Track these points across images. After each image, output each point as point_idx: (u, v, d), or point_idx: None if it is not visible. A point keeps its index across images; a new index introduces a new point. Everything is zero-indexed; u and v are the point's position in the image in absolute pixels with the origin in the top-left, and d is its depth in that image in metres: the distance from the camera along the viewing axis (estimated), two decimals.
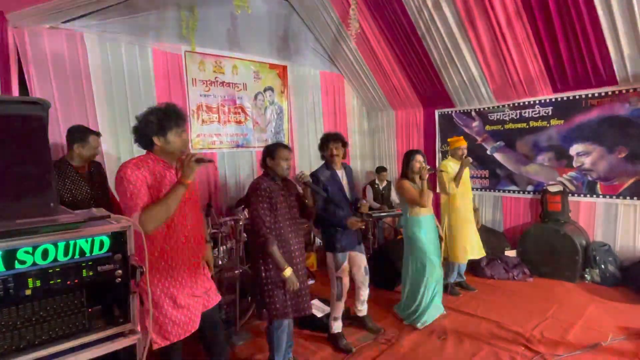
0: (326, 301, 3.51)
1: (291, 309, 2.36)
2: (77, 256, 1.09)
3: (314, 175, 2.82)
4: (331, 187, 2.81)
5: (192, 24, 4.12)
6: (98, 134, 2.82)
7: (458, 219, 3.71)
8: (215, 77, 4.50)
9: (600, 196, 4.23)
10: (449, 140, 3.95)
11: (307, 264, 4.63)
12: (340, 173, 2.93)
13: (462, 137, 3.89)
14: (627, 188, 4.03)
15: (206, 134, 4.44)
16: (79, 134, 2.68)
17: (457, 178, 3.62)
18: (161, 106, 1.79)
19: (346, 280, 2.93)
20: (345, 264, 2.92)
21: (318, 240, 5.37)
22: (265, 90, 5.04)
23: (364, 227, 2.87)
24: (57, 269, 1.06)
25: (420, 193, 3.07)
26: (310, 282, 4.33)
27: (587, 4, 3.53)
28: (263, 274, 2.33)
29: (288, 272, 2.26)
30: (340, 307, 2.97)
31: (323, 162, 2.95)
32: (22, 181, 1.21)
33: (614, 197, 4.13)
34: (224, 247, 3.48)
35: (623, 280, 3.89)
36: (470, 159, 3.72)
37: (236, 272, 3.19)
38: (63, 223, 1.08)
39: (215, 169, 4.48)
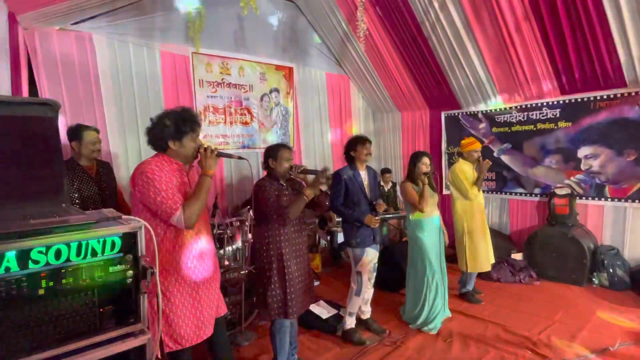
0: (332, 302, 3.51)
1: (295, 309, 2.35)
2: (89, 256, 1.10)
3: (337, 173, 3.01)
4: (352, 185, 2.96)
5: (199, 25, 4.14)
6: (95, 130, 2.79)
7: (477, 225, 3.56)
8: (222, 79, 4.52)
9: (609, 199, 4.19)
10: (462, 142, 3.77)
11: (312, 265, 4.63)
12: (363, 174, 3.06)
13: (474, 139, 3.77)
14: (636, 191, 3.99)
15: (213, 135, 4.46)
16: (74, 131, 2.69)
17: (478, 182, 3.51)
18: (177, 110, 1.80)
19: (365, 277, 3.00)
20: (365, 259, 2.98)
21: (323, 242, 5.38)
22: (271, 91, 5.06)
23: (378, 224, 2.98)
24: (69, 269, 1.07)
25: (420, 197, 3.06)
26: (315, 283, 4.33)
27: (595, 5, 3.50)
28: (267, 274, 2.34)
29: (308, 191, 2.26)
30: (358, 303, 3.02)
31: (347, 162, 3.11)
32: (34, 182, 1.22)
33: (623, 200, 4.09)
34: (230, 247, 3.49)
35: (631, 285, 3.85)
36: (490, 162, 3.59)
37: (242, 272, 3.20)
38: (76, 224, 1.09)
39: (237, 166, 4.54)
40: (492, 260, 3.71)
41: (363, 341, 2.96)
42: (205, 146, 1.78)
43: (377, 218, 2.92)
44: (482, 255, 3.57)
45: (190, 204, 1.68)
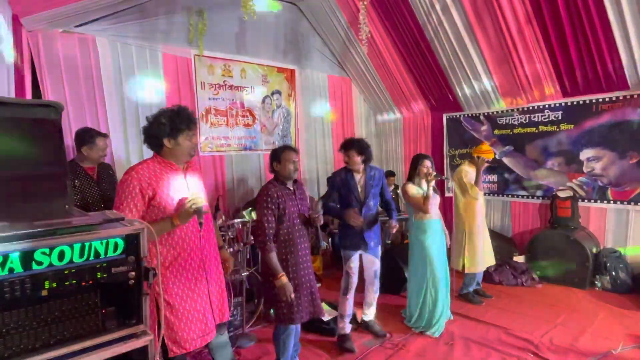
0: (333, 305, 3.51)
1: (300, 314, 2.35)
2: (92, 258, 1.10)
3: (330, 176, 3.11)
4: (343, 188, 3.01)
5: (201, 28, 4.16)
6: (105, 136, 2.86)
7: (477, 225, 3.60)
8: (224, 81, 4.54)
9: (611, 202, 4.18)
10: (481, 147, 3.71)
11: (313, 267, 4.62)
12: (358, 177, 3.03)
13: (491, 149, 3.72)
14: (639, 194, 3.98)
15: (215, 137, 4.47)
16: (87, 136, 2.73)
17: (477, 182, 3.54)
18: (173, 108, 1.81)
19: (354, 279, 3.00)
20: (353, 262, 2.99)
21: (324, 244, 5.37)
22: (272, 93, 5.07)
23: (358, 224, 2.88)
24: (72, 270, 1.07)
25: (425, 199, 3.06)
26: (317, 285, 4.32)
27: (598, 7, 3.50)
28: (272, 279, 2.32)
29: (283, 279, 2.24)
30: (345, 304, 3.00)
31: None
32: (38, 184, 1.22)
33: (625, 203, 4.08)
34: (231, 249, 3.49)
35: (634, 288, 3.83)
36: (485, 162, 3.60)
37: (243, 274, 3.20)
38: (80, 225, 1.09)
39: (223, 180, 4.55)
40: (489, 263, 3.74)
41: (351, 349, 2.89)
42: (192, 198, 1.68)
43: (360, 218, 2.86)
44: (479, 256, 3.61)
45: None
